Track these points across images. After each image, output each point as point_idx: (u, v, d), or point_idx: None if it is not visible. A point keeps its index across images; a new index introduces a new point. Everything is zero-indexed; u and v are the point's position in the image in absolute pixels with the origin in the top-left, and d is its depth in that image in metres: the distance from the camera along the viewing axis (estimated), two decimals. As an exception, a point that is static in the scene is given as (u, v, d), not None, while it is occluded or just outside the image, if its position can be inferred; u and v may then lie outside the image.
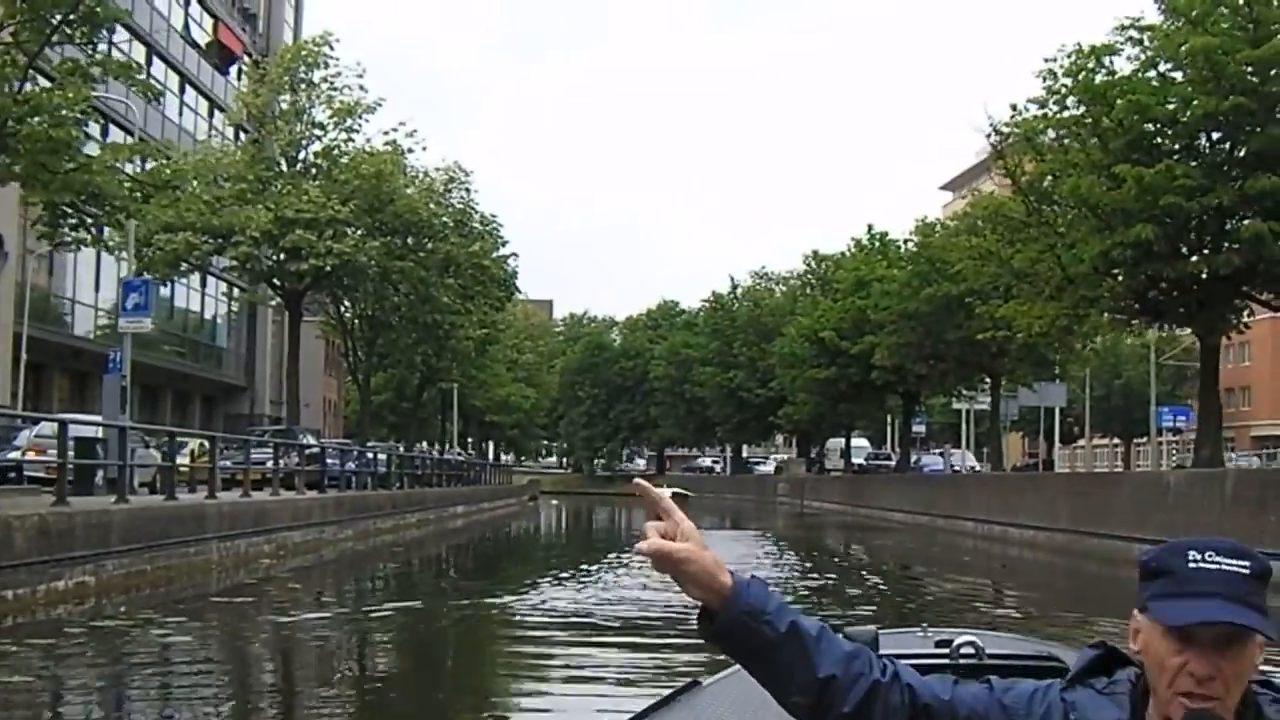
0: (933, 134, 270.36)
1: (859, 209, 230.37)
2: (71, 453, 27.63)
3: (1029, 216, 37.09)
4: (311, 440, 45.11)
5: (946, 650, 3.62)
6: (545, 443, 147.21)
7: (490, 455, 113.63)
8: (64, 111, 23.47)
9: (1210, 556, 2.29)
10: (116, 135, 43.51)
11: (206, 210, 43.36)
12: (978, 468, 70.23)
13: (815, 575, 30.32)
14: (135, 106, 48.98)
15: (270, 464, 34.61)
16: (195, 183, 42.38)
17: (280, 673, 16.19)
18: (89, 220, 25.50)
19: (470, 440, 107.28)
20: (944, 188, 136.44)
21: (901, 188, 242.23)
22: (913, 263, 57.39)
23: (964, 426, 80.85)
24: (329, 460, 42.54)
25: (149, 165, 27.51)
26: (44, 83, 24.60)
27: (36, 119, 22.02)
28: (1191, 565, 2.30)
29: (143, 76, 25.51)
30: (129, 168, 27.06)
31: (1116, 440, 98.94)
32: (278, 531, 30.62)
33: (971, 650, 3.60)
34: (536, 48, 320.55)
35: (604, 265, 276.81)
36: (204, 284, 66.60)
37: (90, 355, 52.13)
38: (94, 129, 38.91)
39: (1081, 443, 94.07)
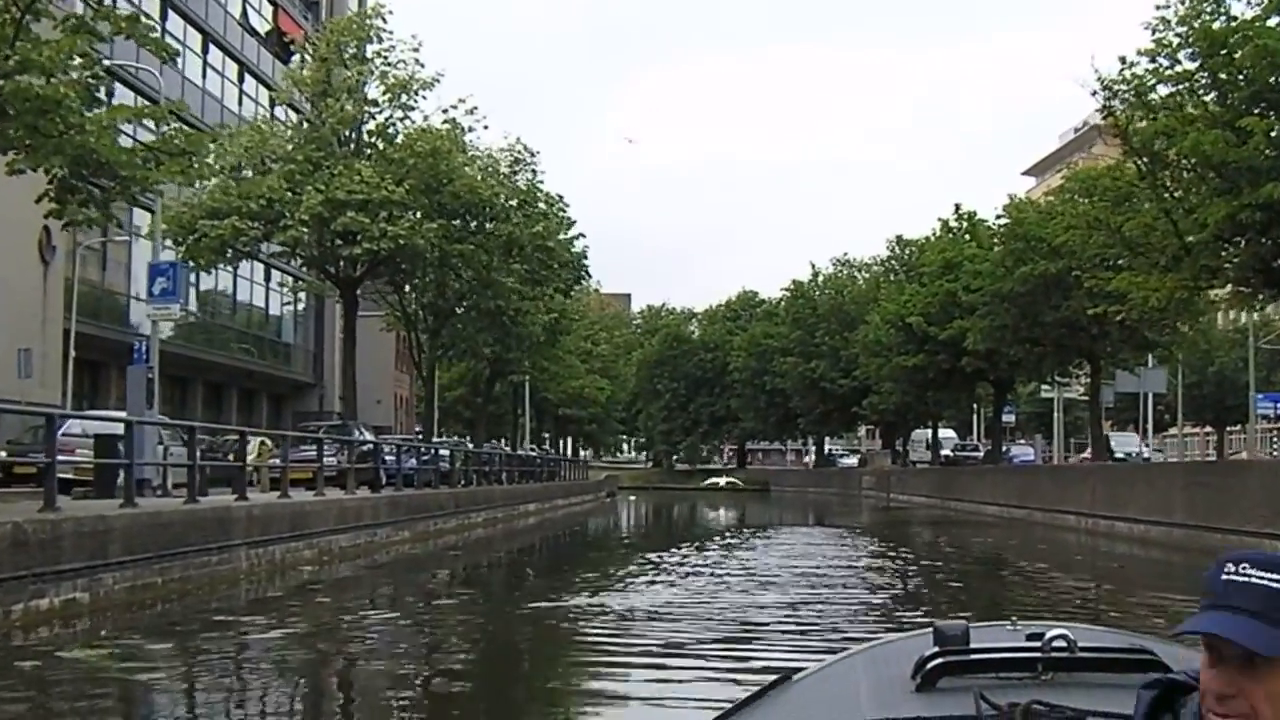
0: (1009, 122, 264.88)
1: (939, 197, 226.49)
2: (91, 452, 25.61)
3: (1141, 180, 33.78)
4: (368, 435, 42.57)
5: (1038, 643, 3.29)
6: (624, 437, 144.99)
7: (567, 450, 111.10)
8: (66, 72, 20.98)
9: (1244, 569, 2.21)
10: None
11: (232, 184, 41.04)
12: (1148, 455, 65.28)
13: (926, 575, 27.77)
14: (188, 96, 46.90)
15: (317, 462, 31.89)
16: (217, 148, 39.91)
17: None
18: (98, 194, 22.98)
19: (547, 435, 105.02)
20: (1026, 173, 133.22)
21: (981, 175, 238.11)
22: (1006, 241, 54.04)
23: (1056, 414, 77.61)
24: (387, 457, 40.12)
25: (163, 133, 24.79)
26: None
27: (23, 77, 19.46)
28: (1224, 578, 2.23)
29: (156, 34, 22.76)
30: (146, 138, 24.61)
31: (1209, 429, 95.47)
32: (321, 535, 27.92)
33: (1064, 643, 3.28)
34: (615, 50, 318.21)
35: (682, 258, 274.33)
36: (268, 277, 64.63)
37: (149, 352, 50.26)
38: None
39: (1173, 431, 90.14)
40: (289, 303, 64.69)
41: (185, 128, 25.88)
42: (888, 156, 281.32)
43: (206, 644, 16.27)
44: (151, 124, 26.37)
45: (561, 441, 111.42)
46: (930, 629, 3.49)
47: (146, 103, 28.00)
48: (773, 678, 3.58)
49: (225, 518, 23.05)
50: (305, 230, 41.35)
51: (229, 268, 58.66)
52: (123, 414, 28.16)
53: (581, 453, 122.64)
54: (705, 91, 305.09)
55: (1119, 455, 61.88)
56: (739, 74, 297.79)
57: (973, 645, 3.38)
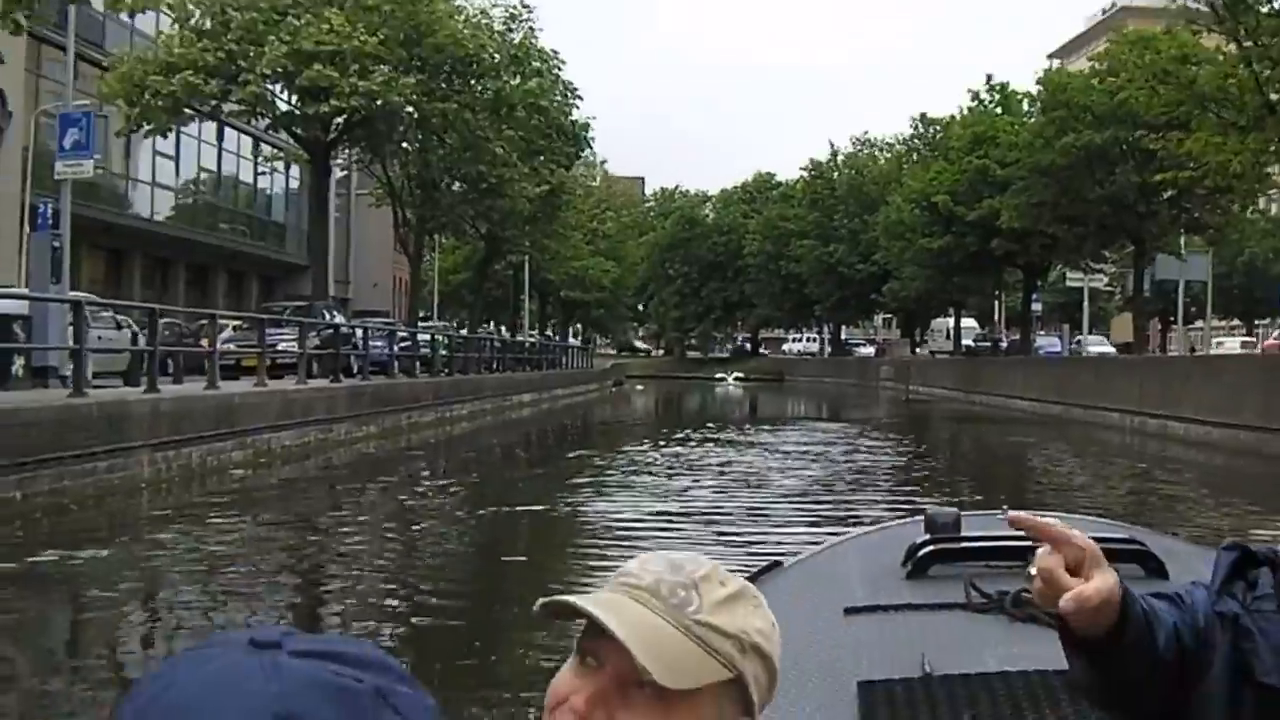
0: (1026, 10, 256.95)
1: (959, 82, 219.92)
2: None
3: (1219, 24, 29.10)
4: (339, 318, 38.36)
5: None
6: (635, 325, 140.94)
7: (575, 339, 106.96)
8: None
9: None
10: None
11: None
12: None
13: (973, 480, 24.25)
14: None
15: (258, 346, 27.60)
16: None
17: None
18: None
19: (553, 323, 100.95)
20: (1053, 55, 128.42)
21: (1001, 62, 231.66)
22: (1045, 110, 49.46)
23: (1085, 302, 73.52)
24: (358, 342, 36.16)
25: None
26: None
27: None
28: None
29: None
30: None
31: (1237, 321, 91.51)
32: (256, 433, 23.75)
33: None
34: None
35: (698, 142, 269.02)
36: (256, 151, 60.07)
37: (124, 230, 46.20)
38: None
39: (1199, 323, 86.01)
40: (264, 171, 59.98)
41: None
42: (905, 49, 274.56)
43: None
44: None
45: (569, 329, 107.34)
46: (921, 517, 3.52)
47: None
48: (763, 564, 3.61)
49: (119, 414, 18.76)
50: (267, 86, 36.93)
51: (214, 141, 54.43)
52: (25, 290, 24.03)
53: (597, 340, 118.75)
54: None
55: None
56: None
57: (964, 534, 3.40)
